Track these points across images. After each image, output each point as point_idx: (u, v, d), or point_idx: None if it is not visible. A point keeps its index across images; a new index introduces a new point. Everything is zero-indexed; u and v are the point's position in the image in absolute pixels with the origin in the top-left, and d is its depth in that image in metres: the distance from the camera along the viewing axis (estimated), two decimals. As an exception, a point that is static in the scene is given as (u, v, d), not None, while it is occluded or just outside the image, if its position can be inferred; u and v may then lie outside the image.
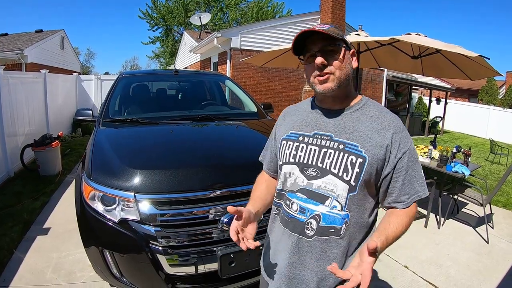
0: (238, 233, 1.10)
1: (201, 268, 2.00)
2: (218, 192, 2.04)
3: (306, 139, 1.19)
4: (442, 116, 14.97)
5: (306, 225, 1.14)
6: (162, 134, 2.86)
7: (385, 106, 11.88)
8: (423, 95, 19.06)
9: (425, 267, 3.24)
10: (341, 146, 1.11)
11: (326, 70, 1.11)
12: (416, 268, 3.20)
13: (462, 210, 4.89)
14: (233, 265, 1.96)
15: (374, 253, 0.93)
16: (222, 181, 2.12)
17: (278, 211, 1.26)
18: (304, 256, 1.15)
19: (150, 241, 1.93)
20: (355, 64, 1.17)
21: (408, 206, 1.14)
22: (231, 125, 3.21)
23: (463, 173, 4.17)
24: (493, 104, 18.49)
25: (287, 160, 1.22)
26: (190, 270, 1.99)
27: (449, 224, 4.35)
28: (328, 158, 1.12)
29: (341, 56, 1.11)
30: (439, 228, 4.20)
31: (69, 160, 6.56)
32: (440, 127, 15.18)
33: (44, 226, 3.75)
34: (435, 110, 15.77)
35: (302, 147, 1.19)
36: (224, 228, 1.99)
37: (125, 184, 2.02)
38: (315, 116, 1.23)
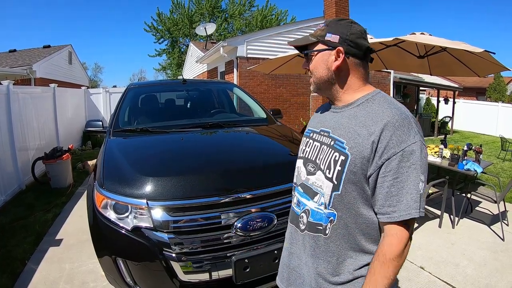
0: None
1: (216, 275, 1.98)
2: (230, 197, 2.02)
3: (313, 135, 1.22)
4: (450, 116, 14.82)
5: (299, 219, 1.18)
6: (172, 142, 2.86)
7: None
8: (431, 96, 18.93)
9: (441, 267, 3.18)
10: (332, 143, 1.09)
11: (310, 74, 1.17)
12: (432, 268, 3.15)
13: (475, 208, 4.81)
14: (247, 270, 1.94)
15: None
16: (234, 186, 2.10)
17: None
18: (299, 249, 1.19)
19: (164, 248, 1.92)
20: (335, 63, 1.07)
21: (393, 222, 0.97)
22: (241, 131, 3.20)
23: (475, 170, 4.11)
24: (501, 101, 18.24)
25: (299, 155, 1.28)
26: (205, 277, 1.97)
27: (464, 223, 4.28)
28: (321, 154, 1.13)
29: (313, 61, 1.14)
30: (453, 227, 4.13)
31: (79, 173, 6.61)
32: (450, 127, 15.02)
33: (57, 238, 3.77)
34: (444, 110, 15.62)
35: (309, 142, 1.23)
36: (238, 233, 1.98)
37: (137, 191, 2.02)
38: (326, 114, 1.22)
